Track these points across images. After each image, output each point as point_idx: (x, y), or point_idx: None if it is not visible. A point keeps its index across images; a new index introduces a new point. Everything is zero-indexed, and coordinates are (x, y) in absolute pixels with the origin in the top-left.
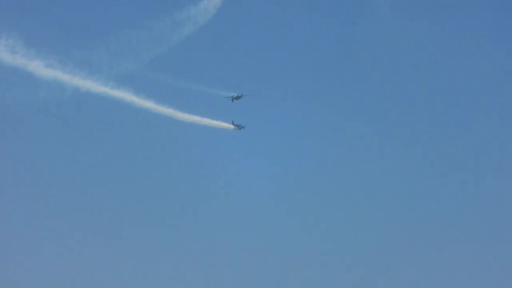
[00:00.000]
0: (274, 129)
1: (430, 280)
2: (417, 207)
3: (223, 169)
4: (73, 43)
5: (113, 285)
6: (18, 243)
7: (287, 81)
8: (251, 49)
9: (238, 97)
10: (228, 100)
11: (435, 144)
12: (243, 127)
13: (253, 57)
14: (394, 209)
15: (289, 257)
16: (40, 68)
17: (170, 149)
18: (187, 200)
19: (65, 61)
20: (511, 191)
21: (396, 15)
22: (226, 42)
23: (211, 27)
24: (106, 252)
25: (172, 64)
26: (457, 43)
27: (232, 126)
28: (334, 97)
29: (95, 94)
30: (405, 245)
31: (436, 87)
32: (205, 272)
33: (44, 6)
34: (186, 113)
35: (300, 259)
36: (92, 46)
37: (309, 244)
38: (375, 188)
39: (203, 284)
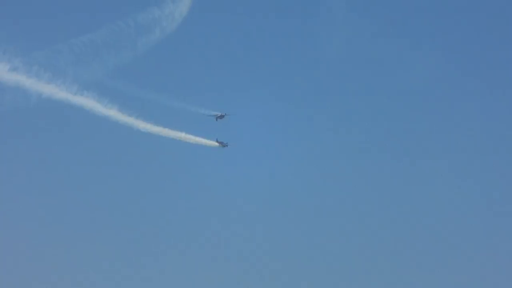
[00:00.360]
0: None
1: (430, 280)
2: (417, 206)
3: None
4: (36, 47)
5: None
6: None
7: (255, 89)
8: (215, 58)
9: (221, 116)
10: (212, 119)
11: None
12: (226, 145)
13: (218, 67)
14: (387, 213)
15: (287, 260)
16: (3, 72)
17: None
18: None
19: (29, 64)
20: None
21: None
22: (191, 52)
23: (177, 35)
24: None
25: (137, 72)
26: (405, 43)
27: (216, 144)
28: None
29: (58, 100)
30: (404, 245)
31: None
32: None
33: (8, 9)
34: (176, 130)
35: (297, 261)
36: (56, 51)
37: (307, 248)
38: (368, 192)
39: None
